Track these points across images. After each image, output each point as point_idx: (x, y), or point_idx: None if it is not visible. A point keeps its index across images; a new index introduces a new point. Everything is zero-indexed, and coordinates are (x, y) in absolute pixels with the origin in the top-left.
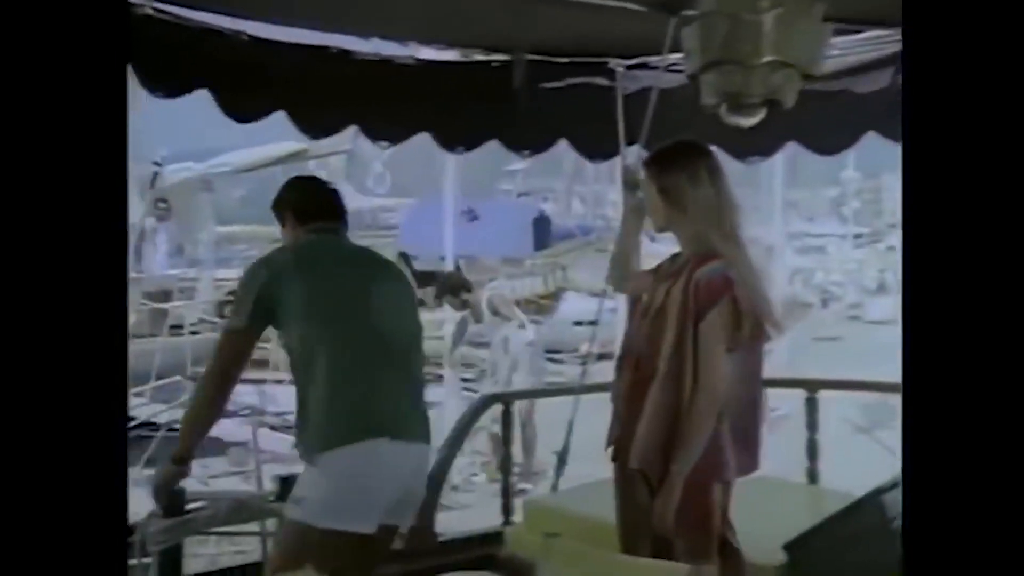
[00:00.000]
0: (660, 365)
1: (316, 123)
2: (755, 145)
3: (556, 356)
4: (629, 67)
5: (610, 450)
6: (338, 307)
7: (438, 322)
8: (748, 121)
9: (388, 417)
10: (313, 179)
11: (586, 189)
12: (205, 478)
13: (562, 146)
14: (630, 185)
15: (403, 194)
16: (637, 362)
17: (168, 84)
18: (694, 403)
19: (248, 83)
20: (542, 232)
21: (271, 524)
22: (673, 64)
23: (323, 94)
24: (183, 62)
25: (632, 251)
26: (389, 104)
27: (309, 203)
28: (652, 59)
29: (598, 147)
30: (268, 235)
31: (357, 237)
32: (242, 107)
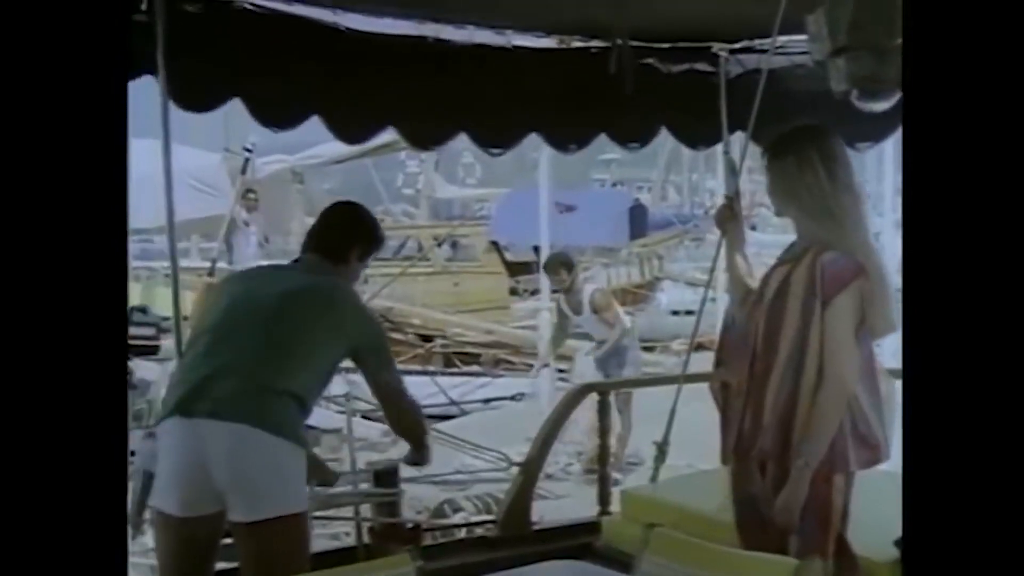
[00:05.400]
0: (780, 354)
1: (425, 136)
2: (865, 131)
3: (651, 346)
4: (733, 51)
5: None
6: (216, 309)
7: (531, 311)
8: (880, 106)
9: (189, 396)
10: (333, 209)
11: (681, 178)
12: None
13: (657, 136)
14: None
15: (494, 184)
16: (753, 352)
17: (283, 119)
18: (821, 394)
19: (356, 105)
20: (638, 221)
21: (365, 510)
22: (781, 47)
23: (429, 105)
24: (291, 90)
25: (744, 272)
26: (495, 107)
27: (308, 233)
28: (758, 43)
29: (700, 135)
30: None
31: (447, 228)
32: (353, 130)
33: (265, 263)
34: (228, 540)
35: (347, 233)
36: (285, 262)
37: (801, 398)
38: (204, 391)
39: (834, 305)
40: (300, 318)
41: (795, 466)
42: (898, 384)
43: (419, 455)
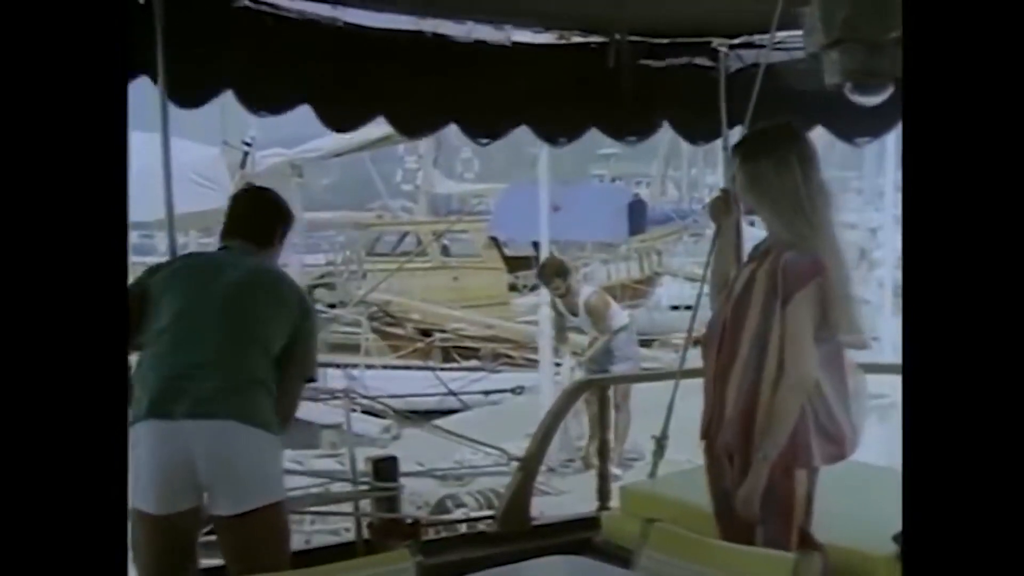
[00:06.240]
0: (742, 349)
1: (415, 124)
2: (865, 126)
3: (651, 341)
4: (733, 46)
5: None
6: (168, 305)
7: (530, 307)
8: (873, 100)
9: (165, 397)
10: (247, 194)
11: (680, 173)
12: (299, 459)
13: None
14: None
15: (492, 179)
16: (720, 345)
17: (271, 104)
18: (779, 388)
19: (346, 93)
20: (637, 216)
21: (365, 506)
22: (780, 42)
23: (420, 94)
24: (283, 79)
25: (729, 265)
26: (487, 98)
27: (229, 221)
28: (757, 38)
29: (700, 129)
30: (353, 221)
31: (446, 223)
32: (343, 118)
33: (194, 253)
34: (211, 537)
35: (271, 217)
36: (211, 252)
37: (762, 393)
38: (180, 391)
39: (793, 303)
40: (254, 306)
41: (755, 459)
42: (893, 380)
43: None
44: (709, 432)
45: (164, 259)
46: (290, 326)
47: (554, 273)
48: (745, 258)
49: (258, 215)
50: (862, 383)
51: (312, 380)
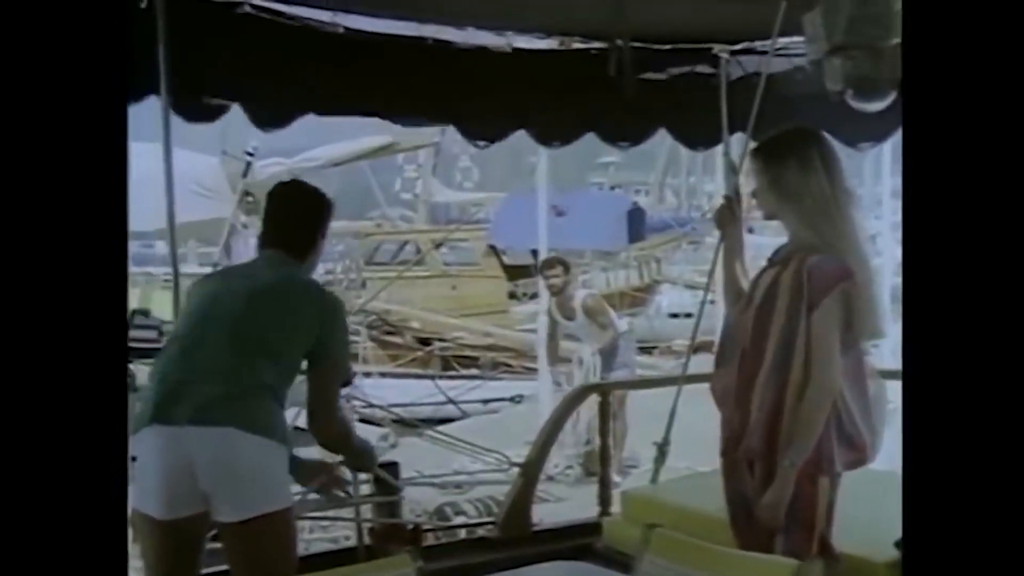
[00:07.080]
0: (767, 356)
1: (411, 121)
2: (867, 131)
3: (651, 348)
4: (734, 53)
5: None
6: (184, 314)
7: (529, 315)
8: (875, 106)
9: (168, 402)
10: (282, 195)
11: (679, 181)
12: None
13: (655, 139)
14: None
15: (490, 188)
16: (742, 353)
17: (274, 119)
18: (806, 396)
19: (346, 91)
20: (636, 224)
21: (366, 511)
22: (781, 49)
23: (419, 94)
24: (285, 93)
25: (739, 273)
26: (485, 101)
27: (265, 227)
28: (759, 44)
29: (700, 136)
30: (352, 230)
31: (444, 232)
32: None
33: (230, 265)
34: (217, 544)
35: (308, 222)
36: (243, 263)
37: (787, 399)
38: (183, 396)
39: (820, 309)
40: (262, 314)
41: (781, 466)
42: (891, 384)
43: (355, 465)
44: (730, 438)
45: (160, 269)
46: (309, 334)
47: (557, 260)
48: (764, 263)
49: (293, 222)
50: (881, 388)
51: (348, 383)
